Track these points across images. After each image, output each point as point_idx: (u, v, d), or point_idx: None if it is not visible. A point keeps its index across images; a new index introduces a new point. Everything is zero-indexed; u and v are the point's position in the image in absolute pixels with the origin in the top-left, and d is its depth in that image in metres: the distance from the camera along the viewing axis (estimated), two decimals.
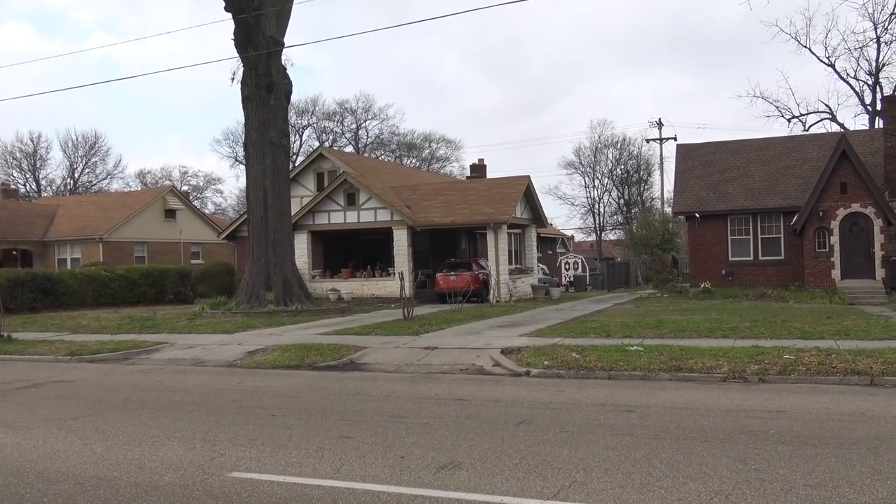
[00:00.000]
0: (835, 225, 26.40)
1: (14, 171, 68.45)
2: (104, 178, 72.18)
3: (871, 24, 44.97)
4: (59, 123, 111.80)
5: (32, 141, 69.36)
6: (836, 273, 26.31)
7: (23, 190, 65.51)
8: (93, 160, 71.68)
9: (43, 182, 70.52)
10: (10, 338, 18.17)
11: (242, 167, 47.17)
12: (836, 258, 26.40)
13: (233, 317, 23.03)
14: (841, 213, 26.36)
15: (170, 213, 45.14)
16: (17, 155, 68.95)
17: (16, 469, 6.69)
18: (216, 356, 14.97)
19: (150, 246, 43.19)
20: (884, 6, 52.62)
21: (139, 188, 67.00)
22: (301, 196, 32.03)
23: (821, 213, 26.45)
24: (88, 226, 42.02)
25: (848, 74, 45.85)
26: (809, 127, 47.32)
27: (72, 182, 70.40)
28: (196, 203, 62.43)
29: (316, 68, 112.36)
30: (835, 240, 26.41)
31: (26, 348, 16.74)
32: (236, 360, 14.44)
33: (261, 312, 23.61)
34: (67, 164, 71.09)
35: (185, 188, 65.08)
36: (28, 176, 69.64)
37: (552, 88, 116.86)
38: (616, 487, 5.69)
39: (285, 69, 26.82)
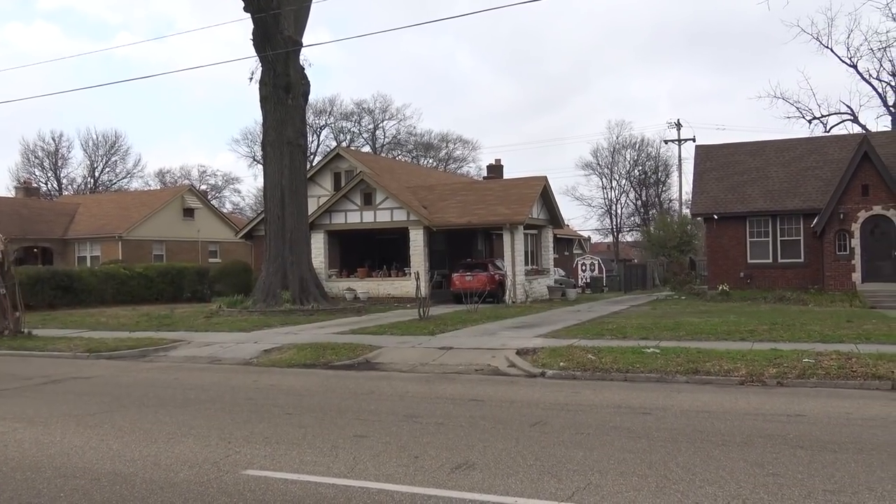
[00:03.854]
0: (856, 227, 26.09)
1: (36, 170, 69.36)
2: (124, 177, 72.99)
3: (895, 24, 44.36)
4: (81, 123, 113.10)
5: (54, 140, 70.22)
6: (856, 276, 26.00)
7: (44, 188, 66.26)
8: (113, 159, 72.46)
9: (64, 181, 71.31)
10: (31, 334, 18.41)
11: (260, 166, 47.40)
12: (857, 261, 26.10)
13: (249, 315, 23.18)
14: (862, 215, 26.05)
15: (188, 212, 45.50)
16: (39, 154, 69.84)
17: (33, 464, 6.75)
18: (232, 354, 15.06)
19: (169, 244, 43.56)
20: None
21: (158, 187, 67.58)
22: (318, 196, 32.14)
23: (842, 216, 26.15)
24: (108, 224, 42.45)
25: (870, 75, 45.20)
26: (831, 128, 46.71)
27: (92, 181, 71.14)
28: (214, 202, 62.86)
29: (332, 65, 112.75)
30: (856, 242, 26.10)
31: (46, 345, 16.91)
32: (252, 358, 14.52)
33: (277, 311, 23.73)
34: (88, 163, 71.90)
35: (203, 187, 65.57)
36: (49, 175, 70.42)
37: (568, 85, 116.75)
38: (631, 490, 5.64)
39: (303, 69, 26.95)
